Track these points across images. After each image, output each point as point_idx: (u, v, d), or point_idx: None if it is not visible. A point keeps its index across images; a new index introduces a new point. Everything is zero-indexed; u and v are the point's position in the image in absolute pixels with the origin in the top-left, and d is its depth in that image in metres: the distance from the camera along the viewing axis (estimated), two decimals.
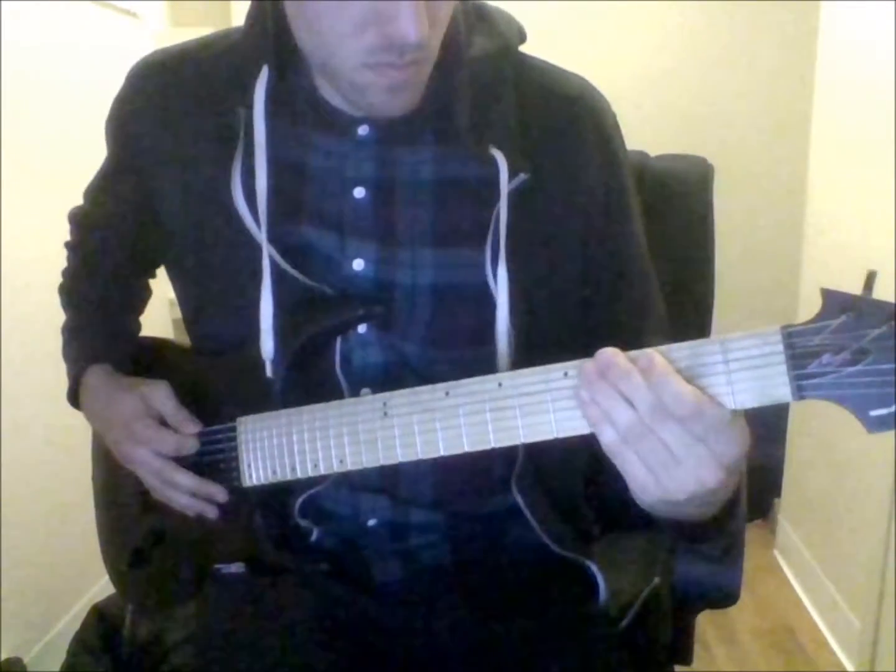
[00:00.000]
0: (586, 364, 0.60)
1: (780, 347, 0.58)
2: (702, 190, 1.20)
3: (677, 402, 0.57)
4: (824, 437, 2.08)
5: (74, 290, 1.01)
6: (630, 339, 0.63)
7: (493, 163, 0.80)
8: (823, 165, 2.14)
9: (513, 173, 0.80)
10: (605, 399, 0.59)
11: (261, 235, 0.82)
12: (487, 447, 0.69)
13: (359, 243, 0.83)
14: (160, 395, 0.86)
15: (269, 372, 0.83)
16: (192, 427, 0.85)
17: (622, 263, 0.88)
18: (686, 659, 1.09)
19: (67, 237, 1.03)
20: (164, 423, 0.86)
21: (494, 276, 0.81)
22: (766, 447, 2.35)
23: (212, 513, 0.86)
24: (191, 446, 0.85)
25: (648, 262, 0.91)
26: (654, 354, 0.59)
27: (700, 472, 0.59)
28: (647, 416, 0.58)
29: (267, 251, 0.82)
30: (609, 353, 0.59)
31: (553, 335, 0.84)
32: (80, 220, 1.02)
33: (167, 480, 0.86)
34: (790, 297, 2.29)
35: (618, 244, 0.87)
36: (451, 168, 0.82)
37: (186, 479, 0.86)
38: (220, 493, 0.86)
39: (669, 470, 0.59)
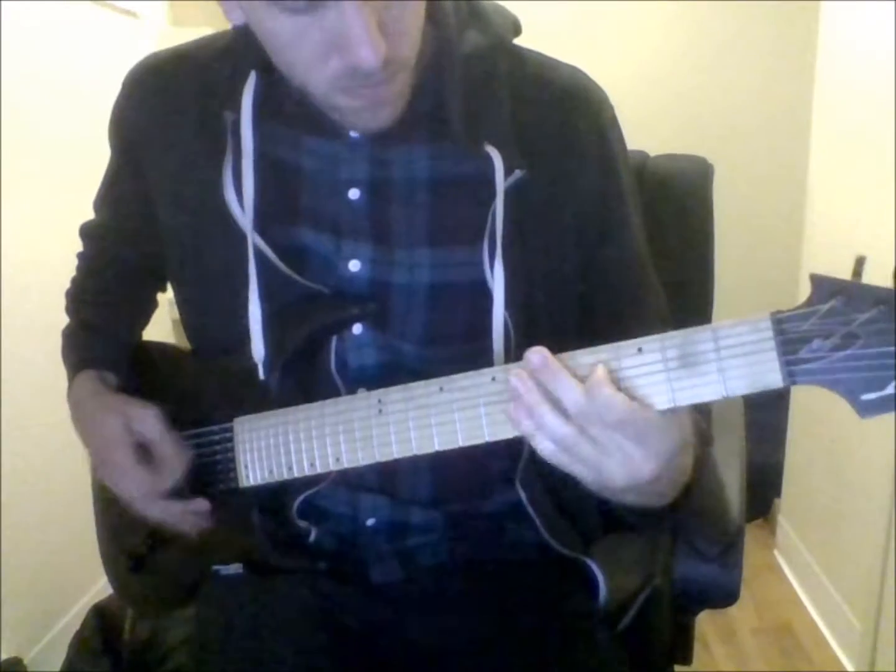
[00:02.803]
0: (513, 378, 0.63)
1: (771, 334, 0.58)
2: (702, 189, 1.20)
3: (609, 411, 0.61)
4: (824, 437, 2.08)
5: (79, 297, 1.02)
6: (628, 331, 0.64)
7: (489, 160, 0.79)
8: (823, 164, 2.14)
9: (508, 170, 0.79)
10: (539, 410, 0.63)
11: (250, 239, 0.82)
12: (482, 441, 0.69)
13: (354, 244, 0.83)
14: (149, 421, 0.86)
15: (261, 374, 0.83)
16: (181, 458, 0.85)
17: (619, 257, 0.88)
18: (686, 659, 1.09)
19: (68, 237, 1.04)
20: (146, 448, 0.86)
21: (492, 273, 0.81)
22: (766, 447, 2.35)
23: (201, 521, 0.87)
24: (168, 485, 0.85)
25: (646, 253, 0.91)
26: (597, 366, 0.62)
27: (631, 467, 0.63)
28: (579, 420, 0.62)
29: (254, 254, 0.82)
30: (540, 360, 0.63)
31: (551, 330, 0.84)
32: (90, 233, 1.03)
33: (140, 511, 0.87)
34: (790, 296, 2.29)
35: (614, 238, 0.87)
36: (446, 166, 0.82)
37: (159, 510, 0.86)
38: (198, 515, 0.86)
39: (602, 464, 0.63)
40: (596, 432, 0.62)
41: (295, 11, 0.65)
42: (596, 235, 0.85)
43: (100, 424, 0.88)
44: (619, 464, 0.63)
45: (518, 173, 0.80)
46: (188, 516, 0.87)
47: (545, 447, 0.64)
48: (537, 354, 0.63)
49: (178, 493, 0.86)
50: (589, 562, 0.94)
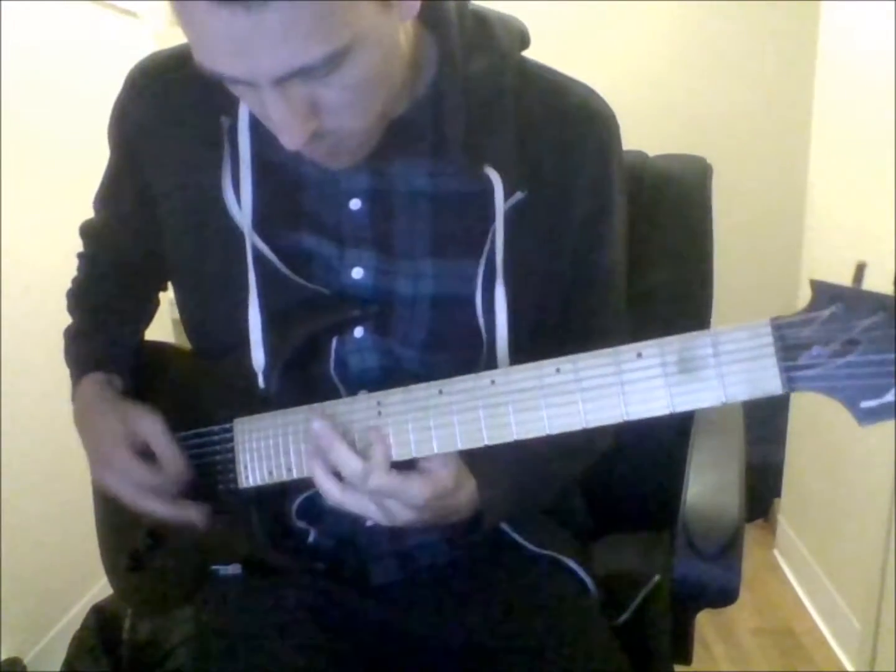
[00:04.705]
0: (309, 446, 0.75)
1: (770, 339, 0.58)
2: (701, 190, 1.20)
3: (375, 475, 0.71)
4: (824, 438, 2.08)
5: (81, 297, 1.02)
6: (581, 347, 0.66)
7: (489, 181, 0.79)
8: (823, 165, 2.14)
9: (509, 192, 0.79)
10: (317, 468, 0.73)
11: (248, 242, 0.82)
12: (481, 445, 0.69)
13: (357, 252, 0.83)
14: (150, 424, 0.85)
15: (261, 383, 0.83)
16: (177, 463, 0.85)
17: (591, 277, 0.88)
18: (686, 658, 1.09)
19: (68, 236, 1.04)
20: (145, 452, 0.86)
21: (485, 292, 0.81)
22: (766, 447, 2.35)
23: (199, 523, 0.87)
24: (172, 485, 0.85)
25: (620, 276, 0.91)
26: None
27: (390, 516, 0.73)
28: (350, 480, 0.72)
29: (253, 259, 0.82)
30: (319, 427, 0.73)
31: (539, 342, 0.84)
32: (90, 232, 1.03)
33: (141, 509, 0.87)
34: (790, 296, 2.29)
35: (591, 259, 0.87)
36: (447, 183, 0.82)
37: (160, 508, 0.86)
38: (197, 517, 0.86)
39: (367, 510, 0.73)
40: (362, 489, 0.72)
41: (231, 84, 0.68)
42: (581, 255, 0.85)
43: (102, 426, 0.88)
44: (382, 514, 0.73)
45: (518, 195, 0.79)
46: (188, 518, 0.87)
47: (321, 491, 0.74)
48: (318, 424, 0.73)
49: (177, 495, 0.86)
50: (568, 561, 0.94)
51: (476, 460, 0.76)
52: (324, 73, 0.64)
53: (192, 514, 0.86)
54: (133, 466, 0.85)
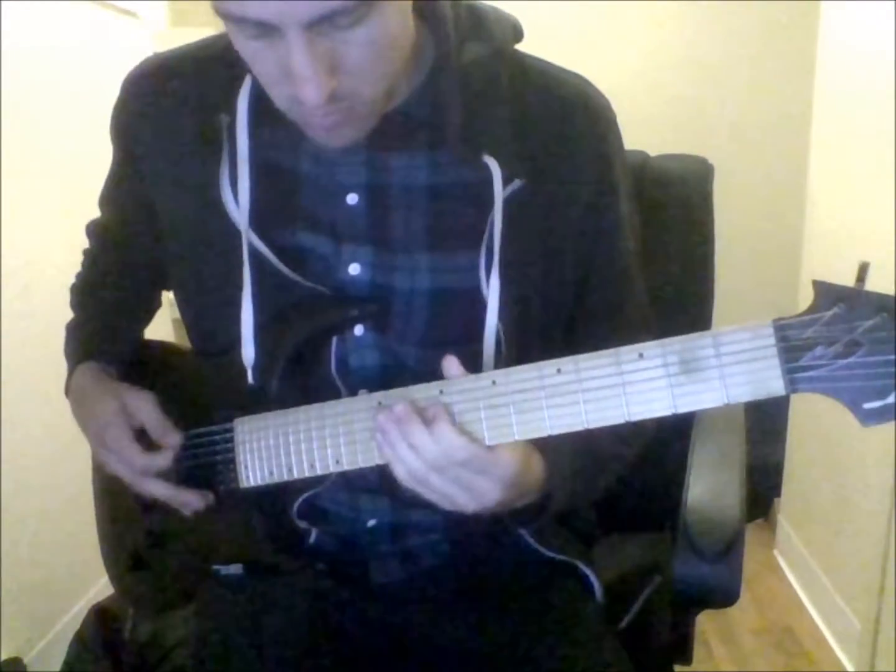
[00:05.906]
0: (381, 416, 0.71)
1: (773, 341, 0.58)
2: (702, 190, 1.20)
3: (453, 451, 0.69)
4: (824, 437, 2.08)
5: (83, 292, 1.03)
6: (608, 340, 0.66)
7: (487, 169, 0.79)
8: (823, 165, 2.14)
9: (507, 179, 0.79)
10: (398, 446, 0.71)
11: (244, 240, 0.82)
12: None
13: (354, 248, 0.83)
14: (144, 405, 0.86)
15: (250, 379, 0.83)
16: (172, 439, 0.85)
17: (607, 268, 0.87)
18: (686, 658, 1.09)
19: (67, 236, 1.04)
20: (143, 432, 0.86)
21: (488, 281, 0.81)
22: (766, 447, 2.35)
23: (190, 511, 0.87)
24: (161, 464, 0.85)
25: (636, 264, 0.91)
26: (438, 409, 0.70)
27: (479, 497, 0.72)
28: (431, 461, 0.70)
29: (248, 256, 0.82)
30: (401, 409, 0.70)
31: (541, 337, 0.84)
32: (95, 231, 1.03)
33: (139, 489, 0.87)
34: (790, 296, 2.29)
35: (604, 247, 0.86)
36: (445, 173, 0.82)
37: (158, 489, 0.86)
38: (194, 502, 0.86)
39: (454, 496, 0.72)
40: (445, 469, 0.70)
41: (251, 36, 0.67)
42: (589, 244, 0.85)
43: (98, 408, 0.88)
44: (469, 495, 0.72)
45: (517, 183, 0.79)
46: (185, 501, 0.87)
47: (400, 475, 0.72)
48: (399, 405, 0.71)
49: (171, 477, 0.86)
50: (579, 564, 0.94)
51: (538, 441, 0.74)
52: (350, 24, 0.65)
53: (190, 497, 0.86)
54: (129, 448, 0.85)
